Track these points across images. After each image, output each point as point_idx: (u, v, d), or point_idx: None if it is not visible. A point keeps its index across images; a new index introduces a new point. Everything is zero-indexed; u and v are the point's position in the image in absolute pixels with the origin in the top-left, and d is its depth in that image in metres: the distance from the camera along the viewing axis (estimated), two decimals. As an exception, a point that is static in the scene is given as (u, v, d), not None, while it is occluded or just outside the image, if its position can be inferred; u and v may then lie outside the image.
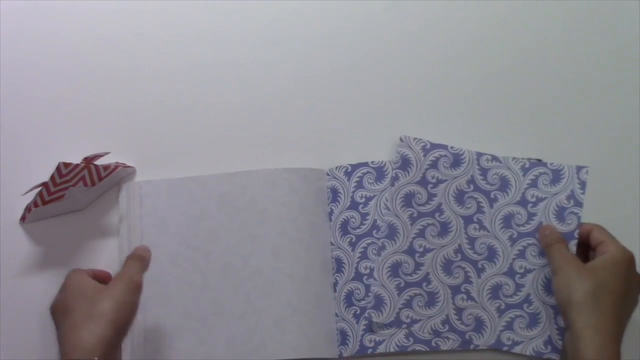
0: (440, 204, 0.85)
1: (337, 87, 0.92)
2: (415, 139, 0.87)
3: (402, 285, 0.84)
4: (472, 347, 0.82)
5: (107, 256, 0.87)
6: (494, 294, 0.84)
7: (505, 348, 0.82)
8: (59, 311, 0.76)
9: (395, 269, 0.84)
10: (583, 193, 0.84)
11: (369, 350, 0.83)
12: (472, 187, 0.86)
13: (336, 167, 0.87)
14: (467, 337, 0.83)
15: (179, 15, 0.94)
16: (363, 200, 0.86)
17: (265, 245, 0.84)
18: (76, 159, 0.85)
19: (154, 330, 0.84)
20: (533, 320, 0.83)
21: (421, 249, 0.84)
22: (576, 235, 0.82)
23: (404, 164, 0.86)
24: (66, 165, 0.83)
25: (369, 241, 0.85)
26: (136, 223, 0.86)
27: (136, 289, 0.77)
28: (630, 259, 0.78)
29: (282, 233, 0.85)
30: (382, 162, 0.87)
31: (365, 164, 0.87)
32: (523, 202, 0.85)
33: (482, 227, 0.85)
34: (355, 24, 0.94)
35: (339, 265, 0.85)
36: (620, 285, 0.77)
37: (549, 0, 0.93)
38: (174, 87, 0.92)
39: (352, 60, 0.93)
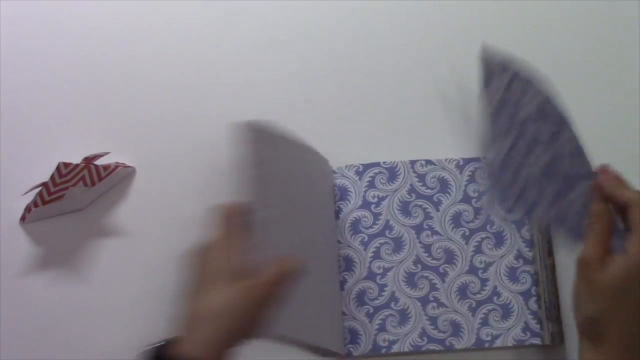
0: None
1: (341, 87, 0.92)
2: (347, 166, 0.87)
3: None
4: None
5: (107, 256, 0.87)
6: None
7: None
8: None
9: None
10: None
11: (383, 350, 0.83)
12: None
13: (346, 166, 0.87)
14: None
15: (179, 15, 0.94)
16: (375, 200, 0.86)
17: None
18: (76, 159, 0.86)
19: None
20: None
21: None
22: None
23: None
24: (66, 165, 0.83)
25: (382, 241, 0.85)
26: None
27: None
28: None
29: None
30: (394, 162, 0.87)
31: (377, 164, 0.87)
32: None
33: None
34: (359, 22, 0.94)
35: (348, 264, 0.85)
36: (631, 307, 0.65)
37: (549, 0, 0.93)
38: (174, 87, 0.92)
39: (355, 60, 0.93)
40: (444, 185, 0.86)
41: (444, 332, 0.83)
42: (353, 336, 0.83)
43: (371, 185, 0.87)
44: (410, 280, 0.84)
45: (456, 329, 0.83)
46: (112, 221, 0.88)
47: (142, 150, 0.90)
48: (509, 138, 0.72)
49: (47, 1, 0.94)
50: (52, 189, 0.85)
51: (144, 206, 0.89)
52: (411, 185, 0.86)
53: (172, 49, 0.93)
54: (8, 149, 0.90)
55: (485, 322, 0.83)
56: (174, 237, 0.88)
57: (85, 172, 0.85)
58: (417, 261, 0.85)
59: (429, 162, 0.87)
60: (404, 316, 0.83)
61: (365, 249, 0.85)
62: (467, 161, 0.86)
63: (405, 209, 0.86)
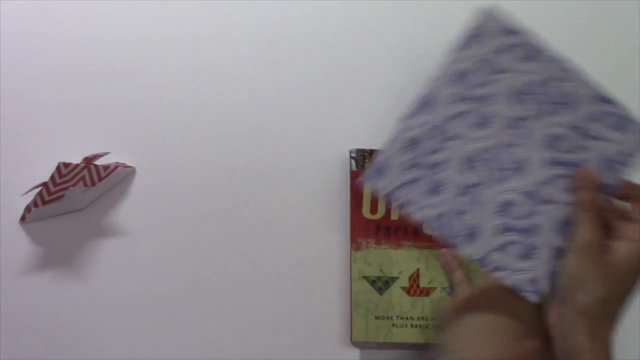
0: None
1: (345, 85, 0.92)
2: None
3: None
4: None
5: (107, 256, 0.87)
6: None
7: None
8: None
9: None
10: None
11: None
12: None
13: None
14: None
15: (178, 16, 0.94)
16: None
17: None
18: (76, 159, 0.86)
19: None
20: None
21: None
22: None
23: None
24: (66, 165, 0.83)
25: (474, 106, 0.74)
26: None
27: None
28: None
29: None
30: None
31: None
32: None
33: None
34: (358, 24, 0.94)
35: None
36: (634, 286, 0.68)
37: (550, 0, 0.93)
38: (174, 87, 0.92)
39: (356, 59, 0.93)
40: (572, 102, 0.74)
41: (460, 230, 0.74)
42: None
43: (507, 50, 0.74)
44: (469, 160, 0.74)
45: (472, 235, 0.73)
46: (112, 221, 0.88)
47: (142, 150, 0.90)
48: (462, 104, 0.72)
49: (47, 1, 0.94)
50: (52, 189, 0.85)
51: (144, 206, 0.89)
52: (549, 77, 0.74)
53: (172, 48, 0.93)
54: (8, 149, 0.90)
55: (502, 248, 0.73)
56: (174, 237, 0.88)
57: (85, 172, 0.85)
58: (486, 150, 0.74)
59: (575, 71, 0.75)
60: (436, 187, 0.74)
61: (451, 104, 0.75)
62: (607, 100, 0.74)
63: (520, 95, 0.74)
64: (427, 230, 0.83)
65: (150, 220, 0.88)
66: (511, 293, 0.71)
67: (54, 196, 0.85)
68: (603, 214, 0.70)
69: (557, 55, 0.75)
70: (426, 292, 0.83)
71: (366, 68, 0.92)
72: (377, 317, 0.82)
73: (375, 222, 0.84)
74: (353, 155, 0.86)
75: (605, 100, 0.74)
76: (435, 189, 0.74)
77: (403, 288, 0.83)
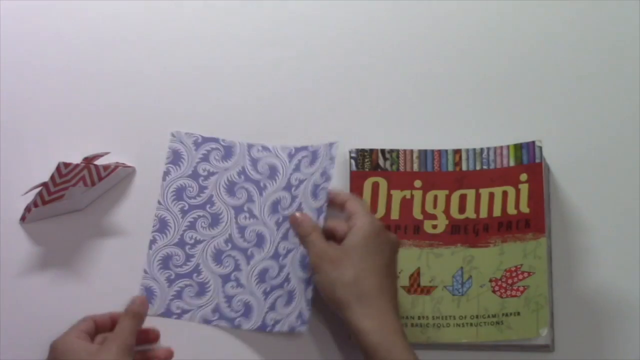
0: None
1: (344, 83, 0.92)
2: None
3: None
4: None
5: (107, 256, 0.87)
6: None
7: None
8: None
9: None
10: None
11: (174, 316, 0.85)
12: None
13: (186, 133, 0.89)
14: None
15: (178, 16, 0.94)
16: (205, 173, 0.88)
17: None
18: (76, 159, 0.85)
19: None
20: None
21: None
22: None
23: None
24: (66, 165, 0.83)
25: (201, 214, 0.87)
26: None
27: (129, 351, 0.77)
28: (378, 228, 0.77)
29: None
30: (233, 142, 0.89)
31: (217, 140, 0.89)
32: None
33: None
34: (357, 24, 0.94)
35: (162, 226, 0.87)
36: (377, 262, 0.76)
37: (550, 1, 0.93)
38: (173, 87, 0.92)
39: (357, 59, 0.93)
40: (273, 172, 0.88)
41: (236, 312, 0.84)
42: (149, 295, 0.85)
43: (205, 158, 0.88)
44: (218, 257, 0.86)
45: (248, 310, 0.84)
46: (112, 221, 0.88)
47: (142, 150, 0.90)
48: None
49: (46, 1, 0.94)
50: (52, 189, 0.84)
51: (143, 206, 0.89)
52: (243, 167, 0.88)
53: (172, 48, 0.93)
54: (8, 149, 0.90)
55: (272, 307, 0.84)
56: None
57: (85, 172, 0.85)
58: (229, 240, 0.86)
59: (265, 148, 0.89)
60: (202, 289, 0.85)
61: (182, 217, 0.87)
62: (298, 150, 0.88)
63: (231, 189, 0.88)
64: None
65: (150, 220, 0.88)
66: None
67: (54, 196, 0.85)
68: (329, 230, 0.80)
69: (244, 145, 0.89)
70: (427, 290, 0.83)
71: (366, 68, 0.92)
72: None
73: None
74: (353, 155, 0.86)
75: (297, 150, 0.88)
76: (201, 291, 0.86)
77: (403, 287, 0.83)
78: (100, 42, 0.93)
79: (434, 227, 0.85)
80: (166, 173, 0.88)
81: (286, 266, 0.85)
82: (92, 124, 0.91)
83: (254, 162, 0.89)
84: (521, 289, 0.83)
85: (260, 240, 0.87)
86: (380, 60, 0.92)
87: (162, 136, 0.90)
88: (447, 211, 0.85)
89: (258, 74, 0.92)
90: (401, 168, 0.86)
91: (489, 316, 0.82)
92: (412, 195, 0.85)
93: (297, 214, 0.83)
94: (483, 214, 0.85)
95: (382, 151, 0.86)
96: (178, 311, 0.85)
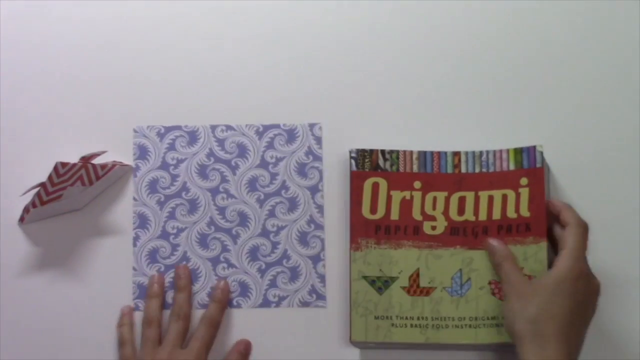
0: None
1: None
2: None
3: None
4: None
5: (106, 255, 0.87)
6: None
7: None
8: None
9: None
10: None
11: (171, 307, 0.85)
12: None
13: (147, 127, 0.89)
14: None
15: (177, 14, 0.93)
16: (174, 162, 0.89)
17: None
18: (73, 158, 0.85)
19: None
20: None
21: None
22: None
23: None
24: (63, 164, 0.83)
25: (178, 202, 0.88)
26: None
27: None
28: (576, 274, 0.76)
29: None
30: (195, 126, 0.89)
31: (179, 127, 0.90)
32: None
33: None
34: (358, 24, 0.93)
35: (142, 221, 0.88)
36: (565, 307, 0.75)
37: (550, 1, 0.92)
38: (172, 86, 0.91)
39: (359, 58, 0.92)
40: (242, 151, 0.89)
41: (232, 292, 0.86)
42: (141, 291, 0.86)
43: (171, 147, 0.89)
44: (203, 241, 0.87)
45: (244, 289, 0.86)
46: (111, 220, 0.88)
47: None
48: None
49: (44, 2, 0.93)
50: (50, 189, 0.84)
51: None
52: (210, 149, 0.89)
53: (170, 47, 0.92)
54: (5, 149, 0.90)
55: (273, 284, 0.86)
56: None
57: (83, 171, 0.85)
58: (211, 223, 0.88)
59: (229, 127, 0.89)
60: (194, 275, 0.87)
61: (161, 209, 0.88)
62: (267, 127, 0.89)
63: (203, 172, 0.89)
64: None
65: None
66: None
67: (52, 196, 0.85)
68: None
69: (207, 127, 0.90)
70: (426, 291, 0.84)
71: (368, 67, 0.92)
72: (376, 317, 0.83)
73: (375, 222, 0.84)
74: (353, 155, 0.86)
75: (266, 128, 0.89)
76: (193, 277, 0.87)
77: (403, 288, 0.84)
78: (97, 41, 0.92)
79: (433, 228, 0.85)
80: (135, 169, 0.89)
81: (280, 243, 0.87)
82: (89, 122, 0.90)
83: (221, 142, 0.89)
84: None
85: (243, 218, 0.88)
86: (382, 62, 0.91)
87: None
88: (446, 213, 0.85)
89: (259, 74, 0.91)
90: (401, 169, 0.86)
91: (488, 318, 0.82)
92: (411, 196, 0.85)
93: (492, 242, 0.83)
94: (482, 216, 0.85)
95: (382, 152, 0.86)
96: (172, 301, 0.86)
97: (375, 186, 0.85)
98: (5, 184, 0.88)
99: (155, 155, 0.89)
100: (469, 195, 0.85)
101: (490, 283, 0.83)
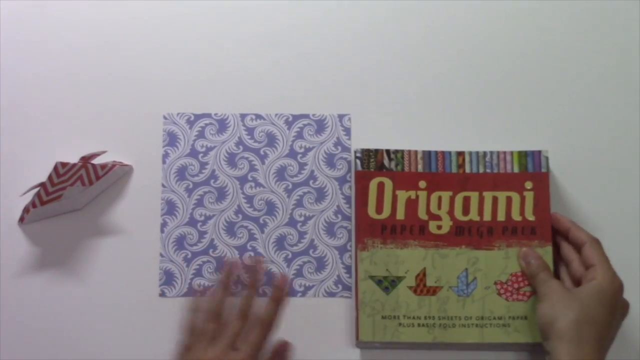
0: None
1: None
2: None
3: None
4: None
5: (106, 255, 0.87)
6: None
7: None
8: None
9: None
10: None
11: (197, 294, 0.85)
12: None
13: (177, 114, 0.90)
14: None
15: (176, 14, 0.93)
16: (204, 149, 0.89)
17: None
18: (73, 158, 0.85)
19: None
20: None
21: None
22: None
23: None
24: (63, 164, 0.83)
25: (206, 189, 0.88)
26: None
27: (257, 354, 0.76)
28: (617, 288, 0.79)
29: None
30: (225, 114, 0.90)
31: (209, 115, 0.90)
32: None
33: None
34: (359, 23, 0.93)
35: (170, 208, 0.88)
36: (604, 316, 0.77)
37: (550, 1, 0.93)
38: (171, 86, 0.91)
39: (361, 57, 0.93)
40: (271, 140, 0.89)
41: (259, 281, 0.85)
42: (168, 278, 0.86)
43: (201, 135, 0.89)
44: (230, 229, 0.88)
45: (270, 278, 0.86)
46: (110, 220, 0.88)
47: (138, 148, 0.90)
48: None
49: (44, 2, 0.93)
50: (50, 189, 0.84)
51: (141, 204, 0.89)
52: (239, 137, 0.89)
53: (170, 47, 0.92)
54: (5, 150, 0.89)
55: (299, 273, 0.87)
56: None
57: (83, 171, 0.85)
58: (239, 211, 0.88)
59: (259, 116, 0.90)
60: (220, 264, 0.87)
61: (189, 196, 0.88)
62: (297, 117, 0.89)
63: (231, 160, 0.89)
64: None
65: (149, 218, 0.88)
66: None
67: (52, 196, 0.85)
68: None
69: (237, 116, 0.90)
70: (433, 291, 0.84)
71: (372, 67, 0.92)
72: (383, 317, 0.83)
73: (381, 222, 0.85)
74: (358, 155, 0.86)
75: (295, 117, 0.90)
76: (220, 265, 0.87)
77: (410, 287, 0.84)
78: (97, 41, 0.92)
79: (439, 227, 0.85)
80: (165, 156, 0.89)
81: (307, 233, 0.88)
82: (89, 122, 0.90)
83: (250, 131, 0.90)
84: (527, 294, 0.84)
85: (270, 207, 0.88)
86: (389, 60, 0.92)
87: (159, 134, 0.90)
88: (451, 212, 0.85)
89: (260, 74, 0.92)
90: (406, 168, 0.86)
91: (494, 318, 0.83)
92: (417, 196, 0.86)
93: (526, 255, 0.84)
94: (487, 217, 0.85)
95: (387, 151, 0.86)
96: (200, 289, 0.86)
97: (381, 186, 0.85)
98: (5, 184, 0.88)
99: (184, 143, 0.89)
100: (474, 196, 0.85)
101: (495, 283, 0.84)
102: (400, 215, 0.85)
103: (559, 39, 0.92)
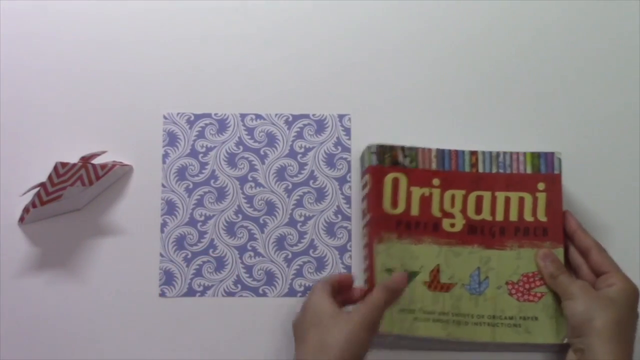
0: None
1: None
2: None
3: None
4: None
5: (106, 255, 0.87)
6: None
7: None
8: (297, 333, 0.79)
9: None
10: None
11: (197, 294, 0.86)
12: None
13: (177, 114, 0.90)
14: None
15: (176, 14, 0.93)
16: (204, 150, 0.89)
17: None
18: (73, 158, 0.85)
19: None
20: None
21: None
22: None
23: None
24: (63, 165, 0.83)
25: (206, 189, 0.89)
26: None
27: (371, 328, 0.77)
28: (637, 294, 0.80)
29: None
30: (225, 114, 0.90)
31: (209, 115, 0.90)
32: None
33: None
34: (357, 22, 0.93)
35: (170, 208, 0.88)
36: (633, 319, 0.79)
37: (550, 0, 0.93)
38: (171, 85, 0.91)
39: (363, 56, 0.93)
40: (271, 140, 0.89)
41: (258, 281, 0.87)
42: (168, 278, 0.87)
43: (201, 135, 0.90)
44: (230, 229, 0.88)
45: (270, 277, 0.87)
46: (111, 220, 0.88)
47: (139, 148, 0.90)
48: None
49: (45, 1, 0.93)
50: (50, 189, 0.84)
51: (141, 204, 0.89)
52: (239, 137, 0.89)
53: (170, 47, 0.92)
54: (5, 149, 0.89)
55: (299, 274, 0.87)
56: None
57: (83, 171, 0.85)
58: (239, 211, 0.88)
59: (259, 116, 0.90)
60: (220, 263, 0.87)
61: (189, 196, 0.88)
62: (297, 117, 0.90)
63: (231, 160, 0.89)
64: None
65: (149, 218, 0.88)
66: None
67: (52, 196, 0.85)
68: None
69: (237, 116, 0.90)
70: (446, 287, 0.84)
71: (372, 67, 0.92)
72: (401, 310, 0.83)
73: (396, 217, 0.85)
74: (373, 150, 0.86)
75: (295, 117, 0.90)
76: (220, 265, 0.87)
77: (424, 283, 0.84)
78: (97, 41, 0.92)
79: (452, 225, 0.85)
80: (165, 156, 0.89)
81: (307, 233, 0.88)
82: (89, 122, 0.90)
83: (250, 131, 0.90)
84: (539, 294, 0.84)
85: (270, 207, 0.89)
86: (403, 60, 0.92)
87: (159, 134, 0.90)
88: (464, 211, 0.86)
89: (261, 72, 0.92)
90: (420, 166, 0.86)
91: (505, 318, 0.83)
92: (430, 193, 0.86)
93: (542, 258, 0.84)
94: (499, 216, 0.85)
95: (402, 148, 0.86)
96: (200, 289, 0.86)
97: (396, 182, 0.85)
98: (5, 184, 0.88)
99: (184, 143, 0.89)
100: (486, 195, 0.86)
101: (507, 283, 0.84)
102: (414, 211, 0.85)
103: (576, 41, 0.92)
